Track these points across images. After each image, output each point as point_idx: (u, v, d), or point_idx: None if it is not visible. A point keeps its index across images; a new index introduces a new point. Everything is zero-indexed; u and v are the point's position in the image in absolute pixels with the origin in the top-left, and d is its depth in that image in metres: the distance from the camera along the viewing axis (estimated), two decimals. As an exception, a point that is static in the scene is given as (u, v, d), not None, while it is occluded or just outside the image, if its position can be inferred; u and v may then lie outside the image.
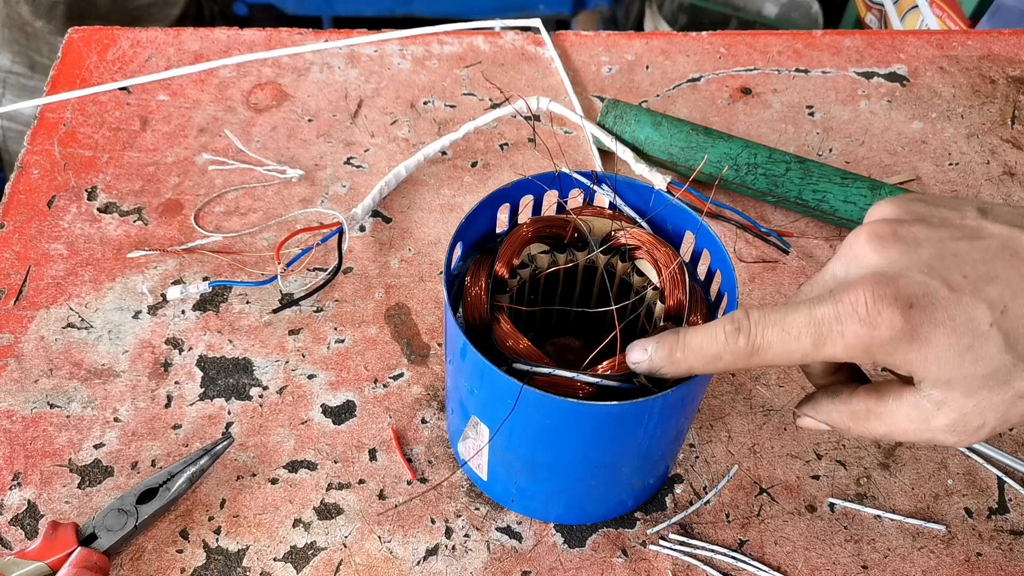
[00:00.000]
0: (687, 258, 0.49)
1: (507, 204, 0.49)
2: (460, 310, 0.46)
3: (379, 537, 0.50)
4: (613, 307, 0.46)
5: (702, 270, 0.49)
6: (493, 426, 0.44)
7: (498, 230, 0.50)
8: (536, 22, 0.80)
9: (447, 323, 0.44)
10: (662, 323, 0.46)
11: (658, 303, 0.47)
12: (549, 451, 0.45)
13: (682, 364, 0.38)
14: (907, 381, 0.36)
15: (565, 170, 0.49)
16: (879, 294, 0.33)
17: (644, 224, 0.49)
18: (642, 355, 0.40)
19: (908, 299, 0.33)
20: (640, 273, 0.48)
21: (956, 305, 0.33)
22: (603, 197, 0.49)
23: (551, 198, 0.50)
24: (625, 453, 0.45)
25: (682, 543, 0.51)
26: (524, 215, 0.50)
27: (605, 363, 0.43)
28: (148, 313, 0.59)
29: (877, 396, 0.37)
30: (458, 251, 0.48)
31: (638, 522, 0.52)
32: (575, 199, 0.50)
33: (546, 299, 0.52)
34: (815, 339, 0.34)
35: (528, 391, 0.39)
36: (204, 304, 0.60)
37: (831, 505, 0.52)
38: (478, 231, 0.49)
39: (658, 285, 0.47)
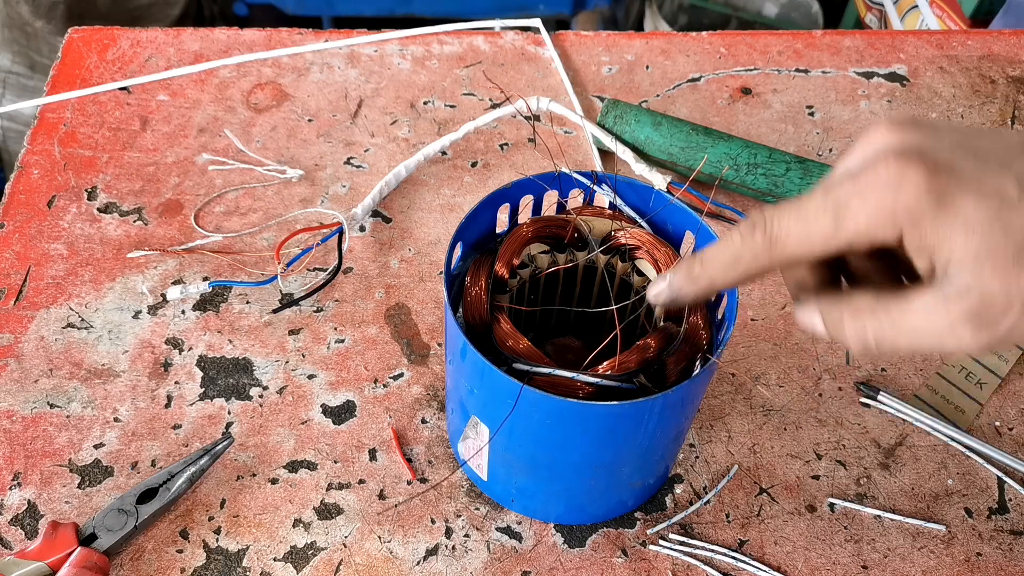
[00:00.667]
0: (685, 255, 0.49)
1: (507, 204, 0.49)
2: (460, 310, 0.46)
3: (379, 537, 0.50)
4: (613, 307, 0.46)
5: None
6: (493, 426, 0.44)
7: (498, 230, 0.50)
8: (536, 22, 0.80)
9: (447, 323, 0.44)
10: (662, 323, 0.46)
11: None
12: (549, 451, 0.45)
13: (702, 278, 0.37)
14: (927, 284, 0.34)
15: (565, 170, 0.49)
16: (904, 157, 0.31)
17: (644, 224, 0.49)
18: (662, 283, 0.38)
19: (935, 164, 0.31)
20: (640, 273, 0.48)
21: (984, 174, 0.32)
22: (603, 197, 0.49)
23: (551, 198, 0.50)
24: (625, 453, 0.45)
25: (682, 543, 0.51)
26: (524, 215, 0.50)
27: (605, 363, 0.43)
28: (148, 313, 0.59)
29: (892, 291, 0.35)
30: (458, 251, 0.48)
31: (638, 522, 0.52)
32: (575, 199, 0.50)
33: (546, 299, 0.52)
34: (835, 215, 0.32)
35: (528, 391, 0.39)
36: (204, 304, 0.60)
37: (831, 505, 0.52)
38: (478, 231, 0.49)
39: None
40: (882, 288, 0.35)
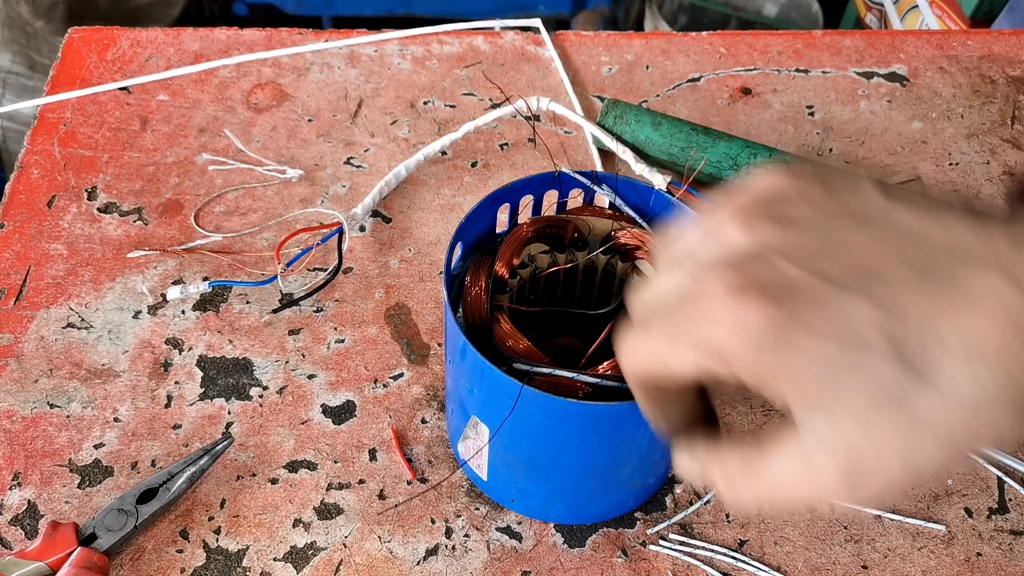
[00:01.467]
0: None
1: (507, 204, 0.49)
2: (460, 310, 0.46)
3: (379, 537, 0.50)
4: (610, 306, 0.46)
5: None
6: (493, 426, 0.44)
7: (498, 230, 0.50)
8: (536, 22, 0.80)
9: (447, 323, 0.44)
10: None
11: None
12: (549, 451, 0.45)
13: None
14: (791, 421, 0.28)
15: (565, 170, 0.49)
16: (736, 285, 0.26)
17: (644, 224, 0.49)
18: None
19: (773, 293, 0.26)
20: (640, 273, 0.48)
21: (832, 302, 0.25)
22: (603, 197, 0.49)
23: (551, 198, 0.50)
24: (625, 453, 0.45)
25: (682, 543, 0.51)
26: (524, 215, 0.50)
27: (605, 363, 0.43)
28: (148, 313, 0.59)
29: (756, 444, 0.29)
30: (458, 251, 0.48)
31: (638, 522, 0.52)
32: (575, 199, 0.50)
33: (546, 299, 0.53)
34: (665, 346, 0.28)
35: (528, 391, 0.39)
36: (204, 304, 0.60)
37: (831, 505, 0.52)
38: (478, 231, 0.49)
39: None
40: (749, 440, 0.30)
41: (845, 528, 0.52)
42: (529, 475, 0.48)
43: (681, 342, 0.27)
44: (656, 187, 0.49)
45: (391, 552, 0.50)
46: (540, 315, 0.54)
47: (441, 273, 0.62)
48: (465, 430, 0.48)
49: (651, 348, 0.28)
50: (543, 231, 0.48)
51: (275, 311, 0.60)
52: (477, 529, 0.51)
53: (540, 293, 0.52)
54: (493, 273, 0.46)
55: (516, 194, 0.49)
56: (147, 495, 0.49)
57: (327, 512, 0.51)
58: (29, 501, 0.51)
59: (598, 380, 0.42)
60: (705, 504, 0.52)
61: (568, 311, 0.54)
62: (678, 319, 0.27)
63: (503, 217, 0.50)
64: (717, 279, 0.27)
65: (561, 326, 0.56)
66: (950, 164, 0.71)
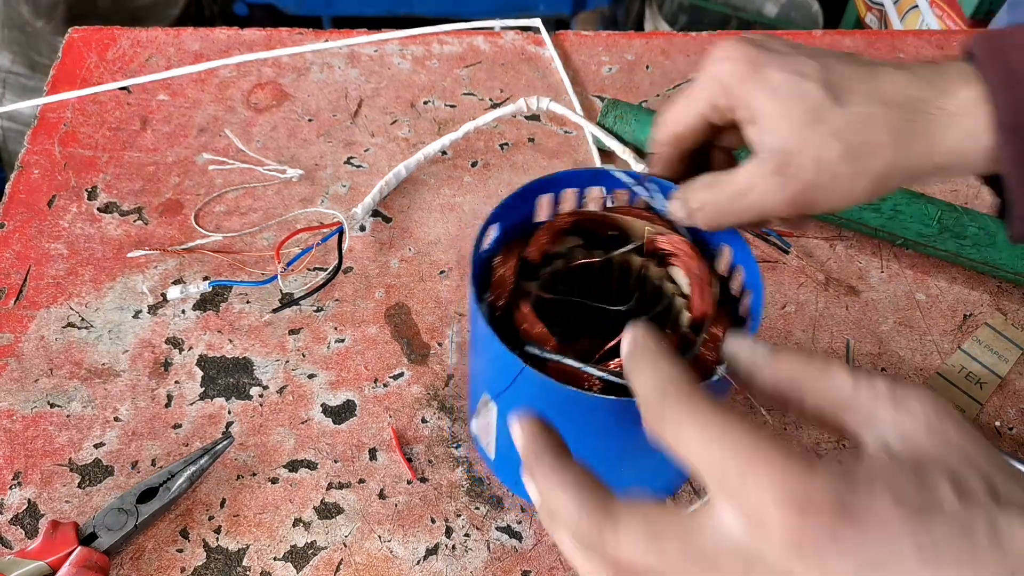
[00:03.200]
0: (722, 269, 0.48)
1: (549, 195, 0.48)
2: (488, 291, 0.46)
3: (379, 536, 0.50)
4: (630, 304, 0.46)
5: (734, 285, 0.47)
6: (498, 404, 0.45)
7: (537, 221, 0.50)
8: (536, 22, 0.80)
9: (469, 299, 0.44)
10: (685, 331, 0.45)
11: (685, 312, 0.46)
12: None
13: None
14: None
15: (611, 169, 0.48)
16: (734, 39, 0.40)
17: (685, 232, 0.47)
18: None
19: (756, 43, 0.40)
20: (673, 280, 0.48)
21: (793, 57, 0.39)
22: (646, 199, 0.48)
23: (591, 197, 0.49)
24: (620, 451, 0.45)
25: (682, 543, 0.51)
26: (564, 209, 0.49)
27: (616, 360, 0.42)
28: (148, 313, 0.59)
29: (726, 169, 0.42)
30: (493, 232, 0.47)
31: (638, 522, 0.51)
32: (619, 199, 0.50)
33: (576, 294, 0.51)
34: (686, 92, 0.42)
35: (528, 371, 0.39)
36: (204, 304, 0.60)
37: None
38: (514, 218, 0.48)
39: (687, 294, 0.46)
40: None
41: (845, 528, 0.52)
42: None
43: (696, 82, 0.42)
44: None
45: (391, 551, 0.50)
46: (566, 313, 0.53)
47: (442, 273, 0.62)
48: (477, 407, 0.48)
49: (679, 96, 0.43)
50: (582, 224, 0.47)
51: (275, 311, 0.60)
52: (477, 528, 0.51)
53: (571, 287, 0.51)
54: (524, 256, 0.46)
55: (556, 185, 0.48)
56: (147, 494, 0.49)
57: (327, 511, 0.51)
58: (29, 500, 0.51)
59: (605, 374, 0.42)
60: (705, 504, 0.52)
61: (590, 304, 0.52)
62: (699, 72, 0.42)
63: (544, 212, 0.49)
64: (721, 41, 0.41)
65: (589, 326, 0.55)
66: (950, 164, 0.71)
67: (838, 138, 0.37)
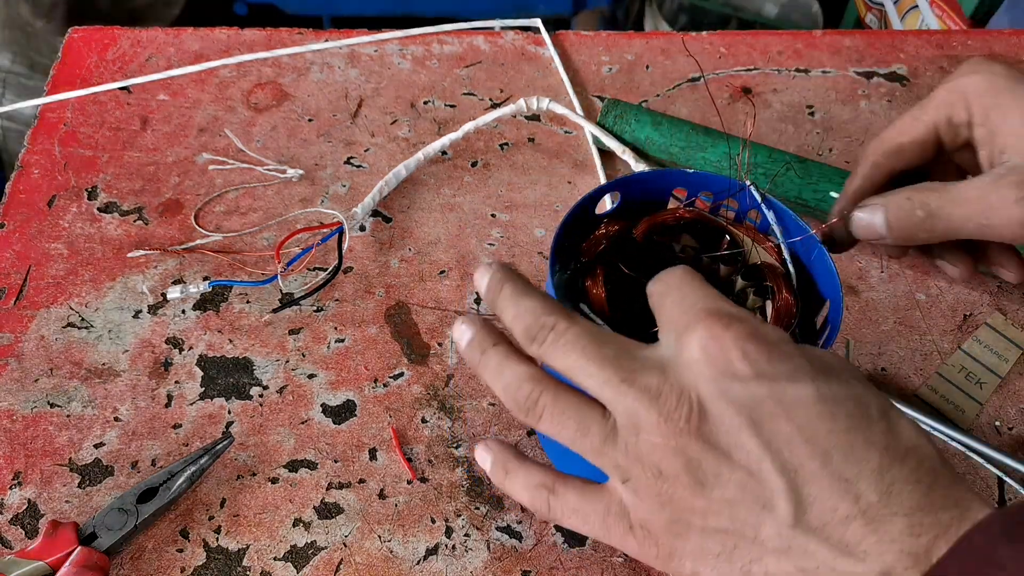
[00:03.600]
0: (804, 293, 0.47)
1: (683, 188, 0.48)
2: (579, 248, 0.47)
3: (379, 536, 0.50)
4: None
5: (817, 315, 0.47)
6: None
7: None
8: (536, 22, 0.80)
9: (552, 241, 0.45)
10: None
11: None
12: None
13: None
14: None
15: (749, 185, 0.47)
16: (986, 59, 0.40)
17: (791, 267, 0.46)
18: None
19: (1010, 65, 0.39)
20: (755, 293, 0.47)
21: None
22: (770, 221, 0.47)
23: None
24: None
25: (682, 543, 0.51)
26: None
27: None
28: (148, 313, 0.59)
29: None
30: (612, 202, 0.47)
31: (638, 522, 0.52)
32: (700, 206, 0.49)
33: None
34: (922, 103, 0.42)
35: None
36: (204, 304, 0.60)
37: None
38: (638, 194, 0.48)
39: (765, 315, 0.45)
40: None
41: (845, 528, 0.52)
42: None
43: (935, 95, 0.43)
44: (812, 232, 0.46)
45: (391, 551, 0.50)
46: (638, 301, 0.51)
47: (442, 273, 0.62)
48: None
49: (915, 108, 0.44)
50: (699, 222, 0.47)
51: (275, 311, 0.60)
52: (477, 528, 0.51)
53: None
54: (627, 228, 0.46)
55: (695, 184, 0.48)
56: (147, 494, 0.49)
57: (327, 511, 0.51)
58: (29, 500, 0.51)
59: None
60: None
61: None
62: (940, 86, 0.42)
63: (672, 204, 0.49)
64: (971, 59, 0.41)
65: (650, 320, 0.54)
66: (950, 164, 0.71)
67: None
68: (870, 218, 0.41)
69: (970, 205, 0.37)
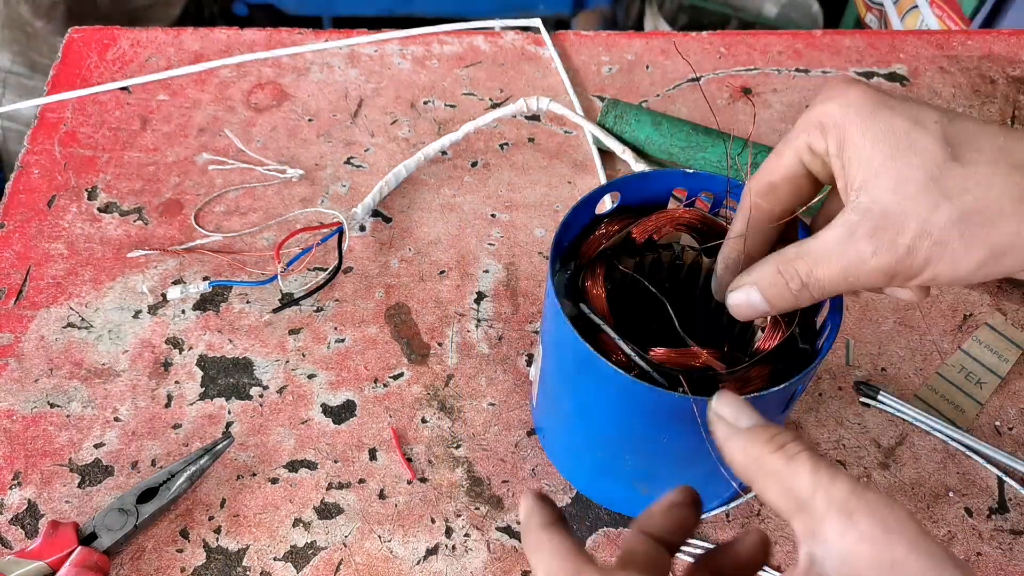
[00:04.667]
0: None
1: (684, 188, 0.48)
2: (579, 248, 0.47)
3: (379, 537, 0.50)
4: (672, 302, 0.44)
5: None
6: (544, 349, 0.47)
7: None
8: (536, 22, 0.80)
9: (554, 237, 0.45)
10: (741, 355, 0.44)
11: (760, 332, 0.44)
12: (571, 396, 0.46)
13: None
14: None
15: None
16: (849, 79, 0.35)
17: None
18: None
19: (872, 88, 0.35)
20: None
21: (908, 106, 0.34)
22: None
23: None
24: (625, 434, 0.45)
25: (682, 543, 0.51)
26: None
27: (662, 350, 0.41)
28: (148, 313, 0.59)
29: (808, 237, 0.36)
30: (611, 202, 0.47)
31: (638, 522, 0.51)
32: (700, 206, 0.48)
33: (671, 297, 0.49)
34: (786, 137, 0.37)
35: (560, 316, 0.40)
36: (204, 304, 0.60)
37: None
38: (637, 197, 0.48)
39: (763, 327, 0.44)
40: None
41: (845, 528, 0.52)
42: (552, 413, 0.49)
43: (799, 121, 0.37)
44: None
45: (391, 551, 0.50)
46: (637, 303, 0.50)
47: (442, 272, 0.62)
48: (535, 355, 0.50)
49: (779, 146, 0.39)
50: (697, 224, 0.46)
51: (275, 311, 0.60)
52: (477, 528, 0.51)
53: (655, 281, 0.49)
54: (627, 230, 0.46)
55: (698, 183, 0.47)
56: (147, 495, 0.49)
57: (327, 512, 0.51)
58: (29, 500, 0.51)
59: (637, 357, 0.41)
60: (705, 504, 0.52)
61: (659, 297, 0.48)
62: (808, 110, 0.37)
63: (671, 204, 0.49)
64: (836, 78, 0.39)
65: (652, 323, 0.52)
66: (950, 164, 0.71)
67: (951, 201, 0.32)
68: (747, 299, 0.38)
69: (833, 265, 0.34)
